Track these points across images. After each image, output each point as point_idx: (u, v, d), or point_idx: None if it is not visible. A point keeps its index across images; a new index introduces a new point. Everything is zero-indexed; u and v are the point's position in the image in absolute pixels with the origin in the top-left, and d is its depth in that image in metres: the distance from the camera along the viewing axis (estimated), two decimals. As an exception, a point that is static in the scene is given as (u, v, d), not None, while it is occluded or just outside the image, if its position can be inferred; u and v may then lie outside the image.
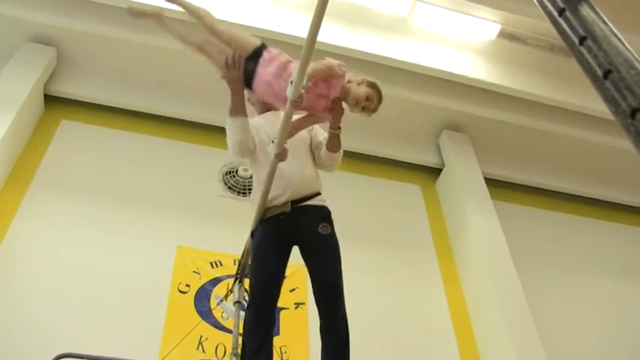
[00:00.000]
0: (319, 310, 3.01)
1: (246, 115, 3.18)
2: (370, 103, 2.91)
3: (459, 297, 6.02)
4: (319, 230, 3.06)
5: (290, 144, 3.03)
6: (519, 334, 5.40)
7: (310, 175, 3.27)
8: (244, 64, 2.98)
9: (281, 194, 3.16)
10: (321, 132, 3.42)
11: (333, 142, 3.19)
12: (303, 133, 3.32)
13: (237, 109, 3.14)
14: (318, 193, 3.24)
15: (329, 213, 3.22)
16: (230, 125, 3.17)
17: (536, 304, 5.83)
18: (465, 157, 6.94)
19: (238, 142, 3.18)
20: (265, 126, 3.33)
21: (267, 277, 3.07)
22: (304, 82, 2.57)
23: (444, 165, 7.02)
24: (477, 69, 6.44)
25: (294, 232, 3.13)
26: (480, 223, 6.26)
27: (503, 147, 7.27)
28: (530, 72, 6.53)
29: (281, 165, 3.06)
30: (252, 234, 3.30)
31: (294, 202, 3.16)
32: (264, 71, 2.91)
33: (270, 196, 3.16)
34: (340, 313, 2.99)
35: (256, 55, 2.95)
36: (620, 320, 6.43)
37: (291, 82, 2.59)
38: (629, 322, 6.43)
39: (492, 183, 6.90)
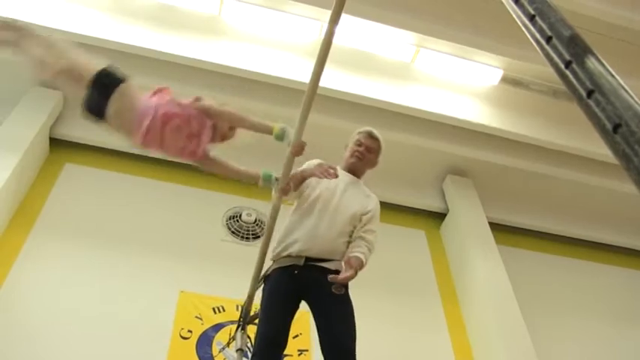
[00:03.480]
0: None
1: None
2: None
3: (464, 342, 5.94)
4: (333, 290, 2.95)
5: (335, 206, 3.01)
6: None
7: (337, 247, 3.17)
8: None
9: (300, 246, 3.11)
10: (373, 222, 3.29)
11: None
12: (357, 210, 3.24)
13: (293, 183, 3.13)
14: (338, 260, 3.13)
15: None
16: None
17: (543, 349, 5.75)
18: (470, 201, 6.93)
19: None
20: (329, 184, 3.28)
21: (275, 329, 3.03)
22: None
23: (448, 210, 7.01)
24: (480, 114, 6.48)
25: (307, 288, 3.07)
26: (485, 268, 6.21)
27: (508, 191, 7.26)
28: (533, 117, 6.57)
29: (315, 219, 3.04)
30: (264, 280, 3.27)
31: (309, 260, 3.11)
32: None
33: (289, 241, 3.13)
34: None
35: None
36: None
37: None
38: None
39: (497, 227, 6.88)
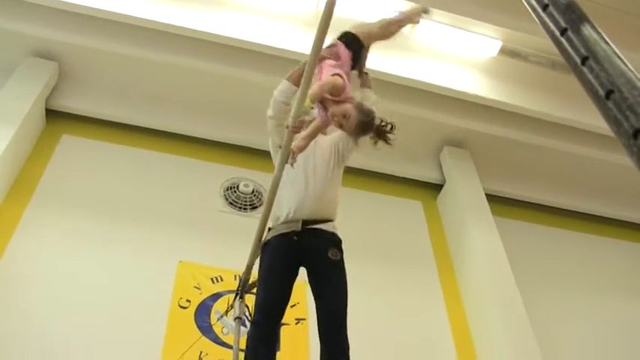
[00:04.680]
0: (320, 337, 3.00)
1: (296, 86, 3.19)
2: (345, 121, 2.85)
3: (460, 313, 5.99)
4: (329, 256, 3.06)
5: (313, 164, 3.04)
6: (521, 351, 5.37)
7: (329, 200, 3.27)
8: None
9: (295, 209, 3.16)
10: (341, 136, 3.38)
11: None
12: (326, 154, 3.33)
13: (292, 76, 3.26)
14: (332, 220, 3.24)
15: (340, 240, 3.23)
16: (280, 85, 3.29)
17: (538, 320, 5.80)
18: (466, 173, 6.94)
19: (274, 97, 3.28)
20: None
21: (274, 297, 3.07)
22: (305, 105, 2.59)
23: (445, 181, 7.02)
24: (478, 85, 6.46)
25: (304, 254, 3.13)
26: (481, 239, 6.24)
27: (505, 163, 7.27)
28: (531, 88, 6.55)
29: (303, 180, 3.07)
30: (262, 247, 3.31)
31: (306, 222, 3.15)
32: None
33: (284, 209, 3.17)
34: (343, 344, 2.97)
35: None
36: (622, 336, 6.39)
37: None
38: (631, 338, 6.39)
39: (493, 199, 6.89)
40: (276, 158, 3.33)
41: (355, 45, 3.11)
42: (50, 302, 4.81)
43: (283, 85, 3.28)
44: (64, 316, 4.76)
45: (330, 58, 2.89)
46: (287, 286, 3.14)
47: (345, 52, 3.00)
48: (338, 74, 2.81)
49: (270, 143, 3.49)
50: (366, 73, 3.42)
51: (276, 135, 3.35)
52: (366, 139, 3.04)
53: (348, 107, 2.83)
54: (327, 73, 2.81)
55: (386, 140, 2.98)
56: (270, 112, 3.33)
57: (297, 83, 3.17)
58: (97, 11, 5.60)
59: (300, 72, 3.16)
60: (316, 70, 2.77)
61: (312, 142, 3.18)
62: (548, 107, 6.54)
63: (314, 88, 2.67)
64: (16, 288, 4.86)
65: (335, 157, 3.34)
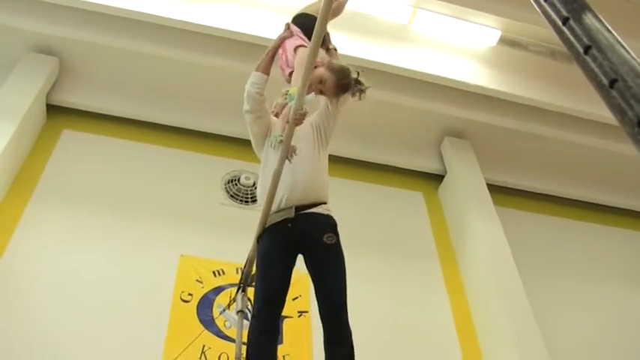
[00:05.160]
0: (323, 324, 3.00)
1: (266, 74, 3.28)
2: (323, 85, 2.86)
3: (463, 303, 6.00)
4: (325, 240, 3.05)
5: (298, 149, 3.03)
6: (524, 341, 5.37)
7: (318, 182, 3.26)
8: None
9: (286, 197, 3.15)
10: (320, 113, 3.41)
11: None
12: (308, 131, 3.31)
13: (260, 67, 3.30)
14: (325, 202, 3.23)
15: (335, 223, 3.22)
16: (251, 77, 3.30)
17: (541, 310, 5.80)
18: (467, 163, 6.93)
19: (247, 91, 3.28)
20: (277, 126, 3.32)
21: (273, 287, 3.07)
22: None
23: (446, 172, 7.01)
24: (478, 75, 6.45)
25: (300, 240, 3.13)
26: (483, 230, 6.24)
27: (506, 153, 7.26)
28: (531, 78, 6.54)
29: (288, 167, 3.06)
30: (258, 240, 3.30)
31: (299, 208, 3.15)
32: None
33: (275, 198, 3.16)
34: (344, 327, 2.98)
35: None
36: (625, 325, 6.40)
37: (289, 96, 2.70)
38: (635, 327, 6.40)
39: (495, 189, 6.89)
40: (261, 149, 3.38)
41: (302, 19, 3.43)
42: (53, 297, 4.81)
43: (254, 77, 3.28)
44: (67, 312, 4.76)
45: (289, 37, 3.18)
46: (285, 275, 3.14)
47: (294, 27, 3.33)
48: (301, 45, 2.94)
49: (250, 136, 3.47)
50: (335, 49, 3.52)
51: (257, 126, 3.35)
52: (349, 98, 3.11)
53: (320, 71, 2.89)
54: (290, 48, 3.02)
55: (363, 90, 3.08)
56: (246, 107, 3.32)
57: (266, 72, 3.27)
58: (97, 6, 5.59)
59: (267, 60, 3.28)
60: (280, 51, 3.02)
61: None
62: (549, 96, 6.53)
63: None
64: (19, 284, 4.86)
65: (318, 138, 3.31)
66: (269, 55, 3.32)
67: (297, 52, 3.12)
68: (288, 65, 3.25)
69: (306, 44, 2.98)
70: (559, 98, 6.51)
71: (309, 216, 3.14)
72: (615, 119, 0.84)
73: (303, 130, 3.24)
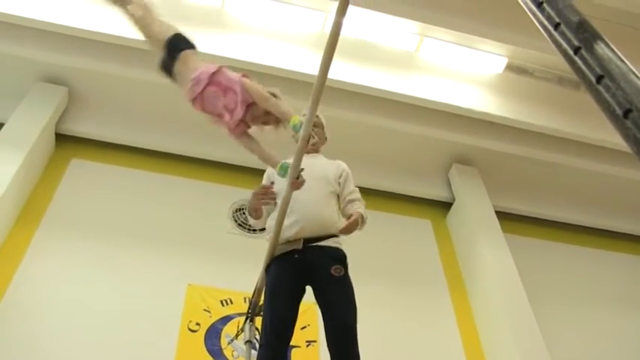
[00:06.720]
0: (331, 354, 2.96)
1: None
2: (268, 117, 2.78)
3: (472, 331, 5.94)
4: (332, 272, 3.03)
5: (308, 186, 2.99)
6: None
7: (328, 217, 3.24)
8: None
9: (295, 229, 3.14)
10: (350, 182, 3.44)
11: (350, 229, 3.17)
12: (328, 173, 3.34)
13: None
14: (335, 236, 3.22)
15: (344, 256, 3.19)
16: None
17: (551, 337, 5.74)
18: (475, 190, 6.91)
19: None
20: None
21: (281, 317, 3.03)
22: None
23: (454, 199, 7.00)
24: (485, 102, 6.46)
25: (308, 272, 3.10)
26: (492, 257, 6.21)
27: (513, 180, 7.25)
28: (538, 104, 6.54)
29: (298, 200, 3.05)
30: (267, 270, 3.28)
31: (308, 241, 3.14)
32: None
33: (283, 230, 3.15)
34: (353, 359, 2.94)
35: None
36: (637, 352, 6.32)
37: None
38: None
39: (503, 216, 6.86)
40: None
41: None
42: (60, 327, 4.79)
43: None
44: (74, 341, 4.73)
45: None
46: (293, 305, 3.11)
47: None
48: (244, 75, 2.82)
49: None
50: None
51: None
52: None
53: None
54: (233, 81, 2.80)
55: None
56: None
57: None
58: (106, 36, 5.64)
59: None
60: (214, 88, 2.81)
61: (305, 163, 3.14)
62: (556, 123, 6.52)
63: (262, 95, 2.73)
64: (26, 313, 4.84)
65: (332, 187, 3.36)
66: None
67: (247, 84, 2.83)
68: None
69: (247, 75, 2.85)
70: (566, 125, 6.51)
71: (317, 248, 3.12)
72: (629, 149, 0.83)
73: (320, 171, 3.28)
